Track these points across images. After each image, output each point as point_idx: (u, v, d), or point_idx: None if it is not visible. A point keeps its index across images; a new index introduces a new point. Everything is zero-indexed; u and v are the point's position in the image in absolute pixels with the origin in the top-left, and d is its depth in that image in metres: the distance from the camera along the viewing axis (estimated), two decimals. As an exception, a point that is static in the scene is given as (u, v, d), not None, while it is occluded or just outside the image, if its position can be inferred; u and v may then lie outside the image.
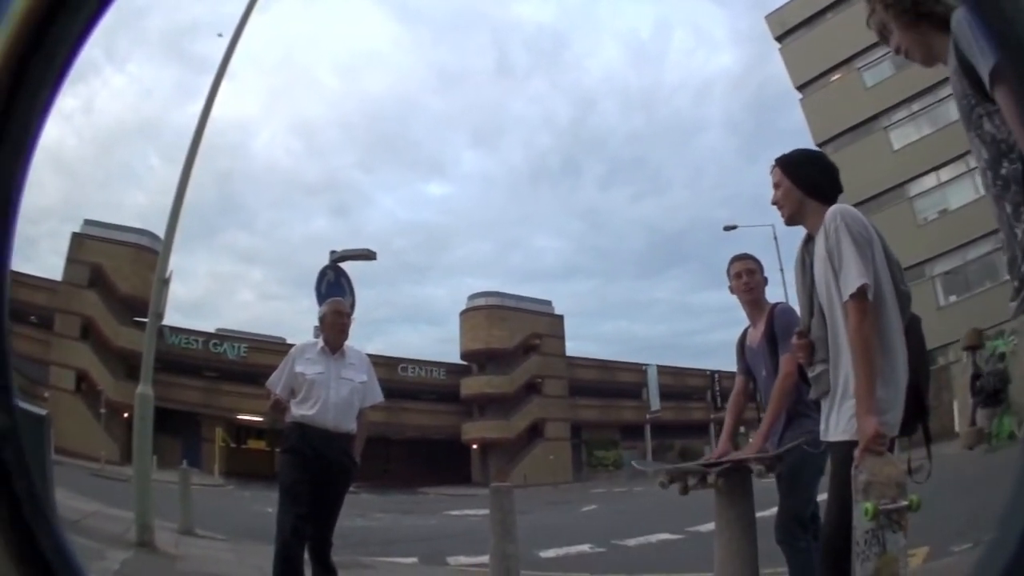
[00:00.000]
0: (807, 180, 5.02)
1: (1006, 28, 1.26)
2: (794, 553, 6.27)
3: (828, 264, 4.62)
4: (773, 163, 5.18)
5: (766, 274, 7.23)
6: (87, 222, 67.04)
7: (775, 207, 5.06)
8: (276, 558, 7.70)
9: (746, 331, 7.24)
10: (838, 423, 4.61)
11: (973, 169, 39.89)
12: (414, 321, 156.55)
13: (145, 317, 17.34)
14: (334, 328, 8.46)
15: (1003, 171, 3.14)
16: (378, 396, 8.73)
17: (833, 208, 4.80)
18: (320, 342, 8.45)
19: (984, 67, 3.08)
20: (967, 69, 3.24)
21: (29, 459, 1.30)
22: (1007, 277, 3.23)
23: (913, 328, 4.78)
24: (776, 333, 6.67)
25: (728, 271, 7.18)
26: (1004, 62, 1.35)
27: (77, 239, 65.05)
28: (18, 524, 1.27)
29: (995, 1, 1.28)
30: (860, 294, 4.42)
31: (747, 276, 7.03)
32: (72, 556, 1.36)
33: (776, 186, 5.04)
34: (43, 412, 2.78)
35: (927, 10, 3.55)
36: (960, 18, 3.28)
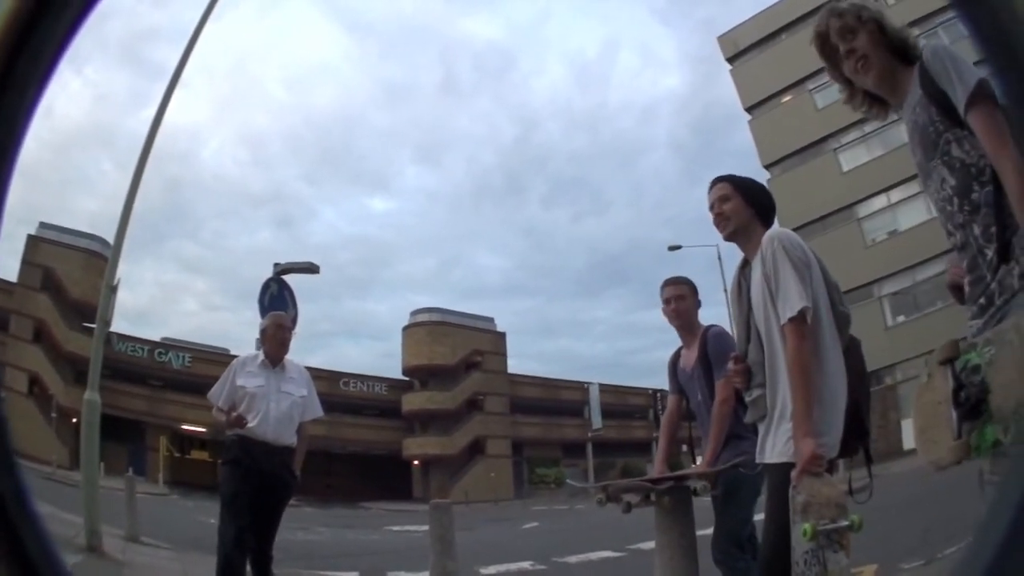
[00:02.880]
0: (757, 201, 5.04)
1: (1002, 40, 1.28)
2: (732, 573, 6.30)
3: (765, 287, 4.64)
4: (717, 180, 5.17)
5: (701, 296, 7.27)
6: (42, 225, 66.27)
7: (718, 218, 5.01)
8: (219, 569, 7.70)
9: (679, 351, 7.31)
10: (774, 445, 4.62)
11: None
12: (356, 336, 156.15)
13: (94, 323, 17.23)
14: (275, 341, 8.46)
15: (973, 195, 3.20)
16: (318, 411, 8.75)
17: (770, 232, 4.86)
18: (261, 355, 8.46)
19: (962, 90, 3.14)
20: (936, 97, 3.29)
21: (14, 458, 1.30)
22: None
23: (853, 350, 4.81)
24: (710, 357, 6.71)
25: (660, 294, 7.20)
26: (995, 76, 1.36)
27: (32, 241, 64.17)
28: (4, 524, 1.27)
29: (992, 15, 1.29)
30: (799, 317, 4.45)
31: (676, 302, 7.08)
32: (56, 555, 1.38)
33: (724, 199, 5.00)
34: None
35: (903, 47, 3.61)
36: (937, 47, 3.35)
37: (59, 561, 1.37)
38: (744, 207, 5.01)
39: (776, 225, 5.11)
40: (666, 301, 7.10)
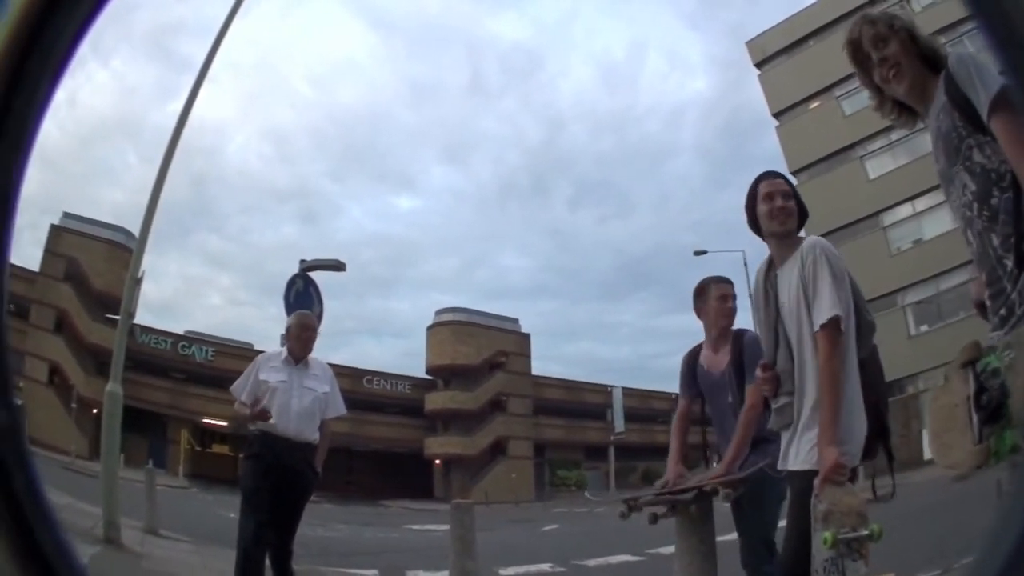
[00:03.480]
0: (802, 208, 5.00)
1: (1009, 34, 1.27)
2: None
3: (801, 293, 4.62)
4: (775, 174, 5.15)
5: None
6: (66, 215, 66.60)
7: (782, 212, 4.89)
8: (238, 563, 7.71)
9: (696, 352, 7.19)
10: (798, 453, 4.61)
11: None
12: (379, 334, 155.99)
13: (117, 314, 17.26)
14: (299, 341, 8.48)
15: (993, 201, 3.18)
16: (340, 408, 8.74)
17: (812, 239, 4.81)
18: (284, 351, 8.46)
19: (985, 96, 3.12)
20: (959, 103, 3.27)
21: (29, 455, 1.30)
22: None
23: (873, 357, 4.82)
24: (745, 362, 6.61)
25: (705, 293, 7.08)
26: (1005, 68, 1.36)
27: (55, 231, 64.58)
28: (17, 520, 1.28)
29: (1008, 23, 1.29)
30: (832, 324, 4.44)
31: (731, 301, 7.01)
32: (70, 552, 1.38)
33: (788, 196, 4.95)
34: (18, 402, 2.75)
35: (933, 56, 3.61)
36: (962, 55, 3.34)
37: (73, 557, 1.37)
38: (795, 210, 4.98)
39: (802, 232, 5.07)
40: (721, 298, 7.01)
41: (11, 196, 1.30)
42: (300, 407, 8.14)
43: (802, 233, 5.05)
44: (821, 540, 4.00)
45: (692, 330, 7.08)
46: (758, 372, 5.00)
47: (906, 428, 38.27)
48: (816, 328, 4.52)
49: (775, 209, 4.92)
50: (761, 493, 6.26)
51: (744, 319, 7.29)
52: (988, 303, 3.26)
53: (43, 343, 60.50)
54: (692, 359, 7.18)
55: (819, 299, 4.54)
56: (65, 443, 47.93)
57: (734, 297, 7.03)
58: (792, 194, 4.99)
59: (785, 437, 4.82)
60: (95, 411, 46.00)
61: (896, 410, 40.37)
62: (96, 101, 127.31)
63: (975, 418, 3.12)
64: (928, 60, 3.62)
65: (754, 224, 5.07)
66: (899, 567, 9.93)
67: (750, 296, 5.46)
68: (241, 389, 8.22)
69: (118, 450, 15.06)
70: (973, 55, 3.33)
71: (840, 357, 4.47)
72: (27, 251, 62.53)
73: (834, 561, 4.00)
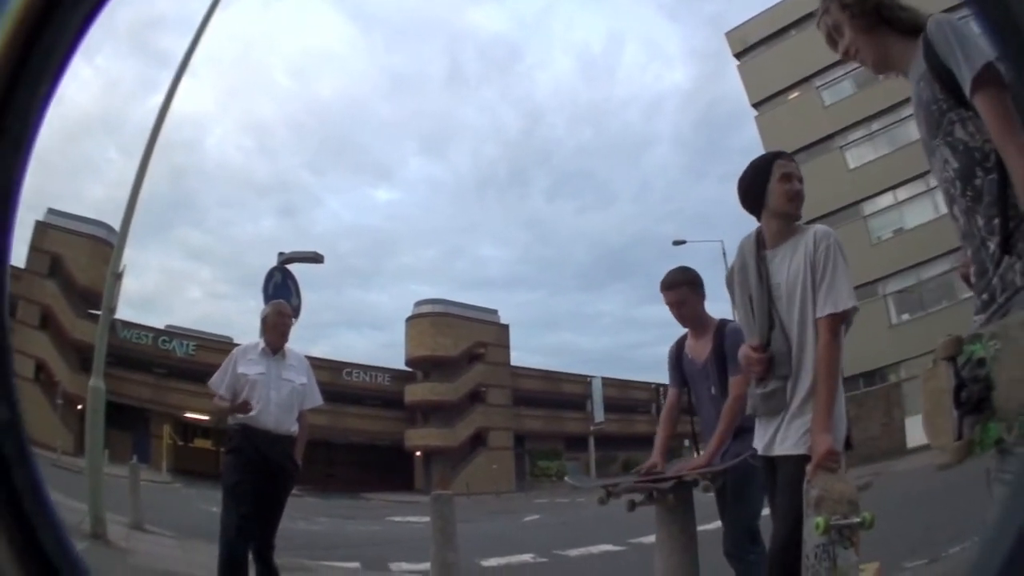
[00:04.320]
0: None
1: (1007, 20, 1.25)
2: (743, 567, 6.27)
3: (808, 278, 4.63)
4: (792, 157, 5.14)
5: (704, 291, 7.15)
6: (50, 211, 66.44)
7: (799, 196, 4.91)
8: (221, 557, 7.73)
9: (682, 341, 7.19)
10: (786, 438, 4.60)
11: (932, 188, 40.14)
12: (358, 326, 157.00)
13: (99, 310, 17.24)
14: (275, 330, 8.48)
15: (976, 181, 3.14)
16: (317, 399, 8.77)
17: (824, 227, 4.85)
18: (261, 343, 8.46)
19: (968, 70, 3.07)
20: (940, 74, 3.23)
21: (30, 452, 1.29)
22: (964, 296, 3.25)
23: None
24: (726, 353, 6.62)
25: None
26: (1002, 56, 1.33)
27: (40, 228, 64.35)
28: (18, 517, 1.28)
29: (1004, 7, 1.27)
30: (842, 315, 4.49)
31: (676, 309, 6.99)
32: (71, 548, 1.37)
33: (801, 180, 4.96)
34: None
35: (889, 15, 3.55)
36: (941, 20, 3.29)
37: (75, 554, 1.37)
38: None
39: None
40: (668, 305, 7.02)
41: (11, 195, 1.30)
42: (279, 399, 8.15)
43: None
44: (813, 526, 3.99)
45: (672, 321, 7.05)
46: (748, 352, 4.90)
47: (888, 416, 38.45)
48: (825, 313, 4.54)
49: (794, 191, 4.89)
50: (745, 483, 6.27)
51: (716, 310, 7.26)
52: (973, 281, 3.24)
53: (29, 340, 60.18)
54: (678, 348, 7.18)
55: (835, 288, 4.55)
56: (51, 439, 47.81)
57: (679, 304, 6.97)
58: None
59: (767, 422, 4.81)
60: (80, 407, 45.94)
61: (878, 399, 40.74)
62: (79, 97, 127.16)
63: (955, 414, 3.11)
64: (896, 23, 3.57)
65: (756, 200, 4.99)
66: (884, 556, 9.97)
67: (726, 281, 5.38)
68: (219, 383, 8.22)
69: (102, 445, 15.06)
70: (953, 22, 3.26)
71: (840, 346, 4.50)
72: (13, 248, 62.66)
73: (825, 548, 4.00)
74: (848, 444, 4.70)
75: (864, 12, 3.57)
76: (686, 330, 7.14)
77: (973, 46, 3.09)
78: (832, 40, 3.79)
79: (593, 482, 62.68)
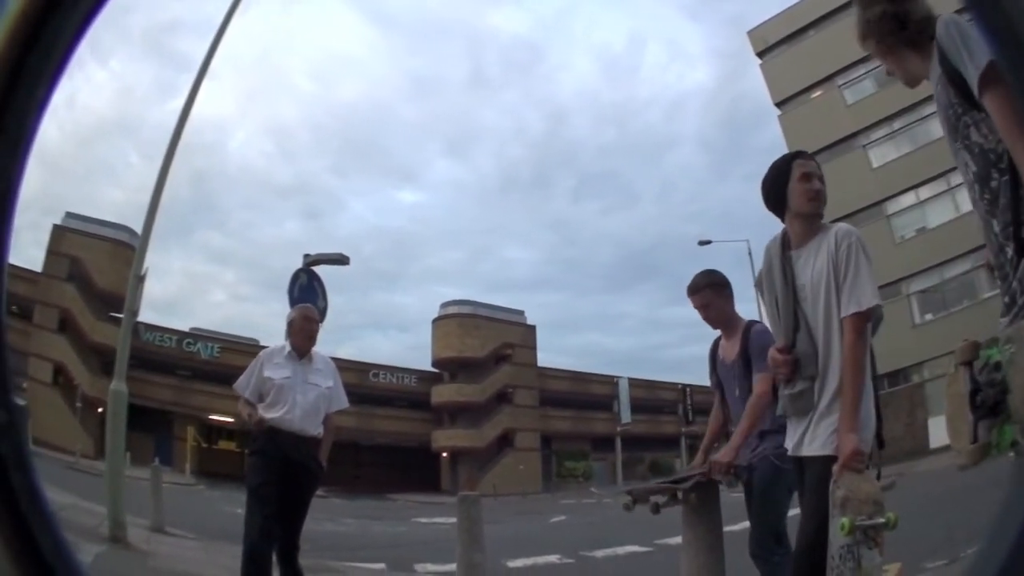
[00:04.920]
0: None
1: (1005, 25, 1.24)
2: (769, 568, 6.24)
3: (831, 277, 4.60)
4: (811, 157, 5.13)
5: (730, 292, 7.17)
6: (68, 215, 66.71)
7: (820, 195, 4.88)
8: (244, 559, 7.71)
9: (717, 341, 7.20)
10: (814, 438, 4.58)
11: (954, 187, 40.06)
12: (384, 327, 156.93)
13: (121, 313, 17.28)
14: (302, 334, 8.47)
15: (992, 183, 3.12)
16: (343, 402, 8.74)
17: (846, 225, 4.81)
18: (288, 346, 8.44)
19: (974, 70, 3.05)
20: (952, 77, 3.22)
21: (27, 454, 1.28)
22: (986, 295, 3.23)
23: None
24: (751, 354, 6.62)
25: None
26: (1001, 61, 1.32)
27: (58, 231, 64.59)
28: (15, 518, 1.26)
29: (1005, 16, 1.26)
30: (867, 314, 4.45)
31: (703, 312, 7.03)
32: (68, 551, 1.36)
33: (823, 179, 4.93)
34: (22, 403, 2.74)
35: (908, 39, 3.55)
36: (948, 22, 3.27)
37: (73, 559, 1.36)
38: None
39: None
40: (696, 308, 7.06)
41: (11, 195, 1.29)
42: (305, 403, 8.13)
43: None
44: (838, 526, 3.97)
45: (697, 321, 7.06)
46: (774, 355, 4.91)
47: (911, 417, 38.30)
48: (849, 313, 4.50)
49: (814, 191, 4.86)
50: (770, 484, 6.27)
51: (751, 309, 7.26)
52: (998, 283, 3.22)
53: (47, 343, 60.57)
54: (714, 349, 7.21)
55: (858, 287, 4.51)
56: (70, 443, 48.03)
57: (704, 307, 7.03)
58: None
59: (796, 422, 4.79)
60: (100, 410, 46.14)
61: (901, 399, 40.56)
62: (95, 101, 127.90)
63: (970, 417, 3.10)
64: (915, 40, 3.57)
65: (778, 202, 4.97)
66: (906, 557, 9.92)
67: (755, 284, 5.40)
68: (244, 386, 8.23)
69: (123, 448, 15.06)
70: (958, 22, 3.23)
71: (866, 345, 4.46)
72: (29, 252, 62.63)
73: (850, 548, 3.98)
74: (880, 442, 4.69)
75: (911, 32, 3.58)
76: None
77: (977, 44, 3.07)
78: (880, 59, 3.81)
79: (617, 487, 62.73)
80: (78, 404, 56.43)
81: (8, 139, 1.26)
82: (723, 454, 6.54)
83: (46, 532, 1.28)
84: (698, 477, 6.54)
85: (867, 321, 4.45)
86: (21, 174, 1.29)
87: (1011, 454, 3.00)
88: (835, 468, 4.20)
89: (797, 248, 4.86)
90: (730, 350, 6.95)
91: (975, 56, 3.05)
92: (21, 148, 1.28)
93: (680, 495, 6.58)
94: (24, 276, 59.57)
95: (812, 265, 4.73)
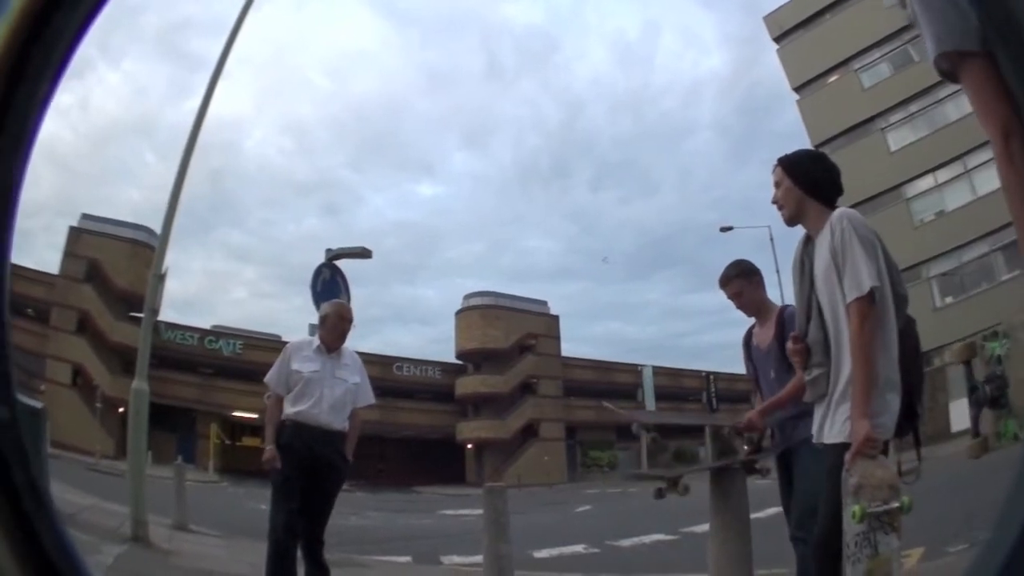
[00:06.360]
0: (807, 179, 4.95)
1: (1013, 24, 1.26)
2: (807, 549, 6.25)
3: (832, 265, 4.59)
4: (775, 163, 5.12)
5: (760, 278, 7.20)
6: (84, 216, 67.00)
7: (775, 206, 4.97)
8: (269, 555, 7.73)
9: (751, 330, 7.21)
10: (832, 425, 4.58)
11: (971, 170, 39.92)
12: (406, 320, 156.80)
13: (141, 312, 17.33)
14: (335, 331, 8.45)
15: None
16: (370, 398, 8.73)
17: (840, 210, 4.78)
18: (316, 340, 8.43)
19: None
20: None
21: (28, 451, 1.30)
22: (1004, 278, 3.23)
23: (909, 331, 4.76)
24: (785, 337, 6.64)
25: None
26: (988, 34, 1.34)
27: (74, 233, 64.95)
28: (17, 516, 1.27)
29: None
30: (868, 297, 4.42)
31: (735, 301, 7.07)
32: (71, 548, 1.37)
33: (776, 185, 4.95)
34: (39, 405, 2.77)
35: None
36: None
37: (74, 554, 1.37)
38: (792, 189, 4.94)
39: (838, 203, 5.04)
40: (729, 298, 7.11)
41: (12, 194, 1.30)
42: (332, 397, 8.13)
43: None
44: (851, 514, 3.98)
45: (719, 308, 7.12)
46: (789, 344, 5.01)
47: (933, 401, 38.14)
48: (851, 298, 4.47)
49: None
50: (810, 464, 6.27)
51: (773, 294, 7.27)
52: None
53: (65, 345, 60.94)
54: (747, 337, 7.21)
55: (853, 271, 4.50)
56: (90, 444, 48.24)
57: (738, 295, 7.06)
58: (780, 180, 5.04)
59: (819, 410, 4.80)
60: (121, 410, 46.16)
61: (925, 383, 39.98)
62: (108, 103, 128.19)
63: (970, 412, 3.12)
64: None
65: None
66: (927, 541, 9.91)
67: (777, 272, 5.44)
68: (275, 379, 8.22)
69: (145, 447, 15.06)
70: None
71: (872, 329, 4.43)
72: (44, 255, 62.90)
73: (866, 536, 3.99)
74: (915, 430, 4.73)
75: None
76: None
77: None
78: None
79: (646, 470, 62.58)
80: (98, 405, 56.41)
81: (10, 138, 1.28)
82: (756, 411, 6.58)
83: (49, 530, 1.30)
84: (728, 429, 6.57)
85: (871, 304, 4.43)
86: (23, 173, 1.30)
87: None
88: (847, 455, 4.23)
89: (815, 236, 4.89)
90: (764, 336, 6.96)
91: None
92: (23, 146, 1.30)
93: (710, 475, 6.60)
94: (40, 279, 59.89)
95: (821, 253, 4.74)
